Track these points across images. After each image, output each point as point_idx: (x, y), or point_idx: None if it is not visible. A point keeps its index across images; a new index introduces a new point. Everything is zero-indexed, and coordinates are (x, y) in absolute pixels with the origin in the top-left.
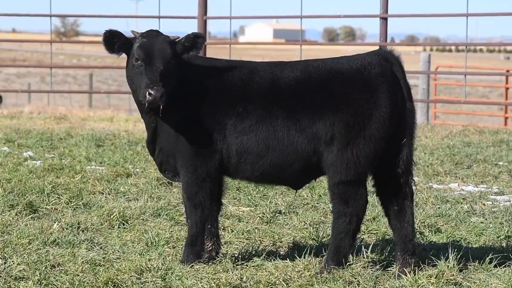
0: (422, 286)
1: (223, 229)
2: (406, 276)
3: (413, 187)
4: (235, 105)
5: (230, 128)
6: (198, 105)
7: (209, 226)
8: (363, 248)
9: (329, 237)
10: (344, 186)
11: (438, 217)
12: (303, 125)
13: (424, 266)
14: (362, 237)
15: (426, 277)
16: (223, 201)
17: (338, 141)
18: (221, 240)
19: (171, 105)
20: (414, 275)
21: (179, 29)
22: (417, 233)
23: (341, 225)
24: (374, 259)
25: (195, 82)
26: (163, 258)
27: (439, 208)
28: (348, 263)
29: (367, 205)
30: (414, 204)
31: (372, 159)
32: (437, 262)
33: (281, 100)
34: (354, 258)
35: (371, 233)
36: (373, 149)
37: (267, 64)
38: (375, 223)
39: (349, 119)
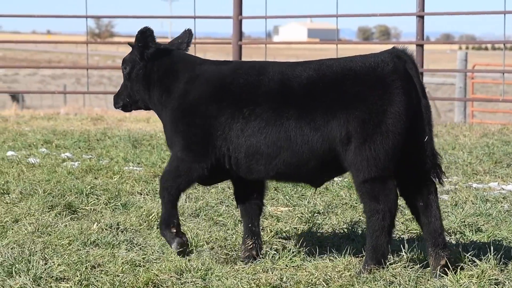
0: (464, 285)
1: (261, 229)
2: (441, 268)
3: (444, 179)
4: (242, 107)
5: (237, 130)
6: (197, 107)
7: (249, 225)
8: (403, 248)
9: None
10: (370, 183)
11: (479, 217)
12: (317, 124)
13: (460, 264)
14: (402, 236)
15: (468, 277)
16: (264, 201)
17: (355, 139)
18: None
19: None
20: (454, 273)
21: (214, 29)
22: (457, 232)
23: (375, 223)
24: (415, 259)
25: (197, 84)
26: (202, 258)
27: (479, 207)
28: (388, 262)
29: (398, 200)
30: (438, 198)
31: (392, 154)
32: (478, 261)
33: (295, 100)
34: (394, 258)
35: (411, 232)
36: (391, 144)
37: (279, 65)
38: (415, 222)
39: (363, 116)
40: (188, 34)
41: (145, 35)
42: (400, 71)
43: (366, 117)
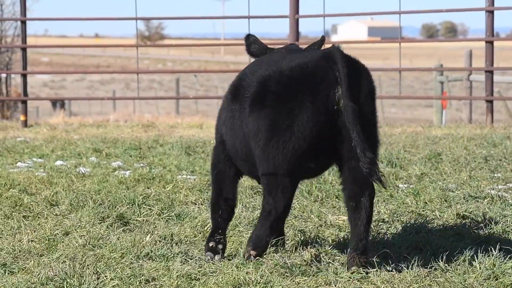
0: None
1: (323, 239)
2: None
3: (386, 183)
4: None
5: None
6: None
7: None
8: (476, 257)
9: (439, 247)
10: (266, 178)
11: None
12: (248, 127)
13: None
14: (473, 246)
15: None
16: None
17: (260, 139)
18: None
19: None
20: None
21: (268, 29)
22: None
23: (263, 213)
24: (488, 269)
25: None
26: (261, 271)
27: None
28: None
29: (291, 201)
30: (372, 202)
31: (289, 157)
32: None
33: (244, 104)
34: (468, 269)
35: (482, 242)
36: (297, 145)
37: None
38: (487, 230)
39: (272, 117)
40: (320, 41)
41: (248, 41)
42: (320, 73)
43: (273, 119)
